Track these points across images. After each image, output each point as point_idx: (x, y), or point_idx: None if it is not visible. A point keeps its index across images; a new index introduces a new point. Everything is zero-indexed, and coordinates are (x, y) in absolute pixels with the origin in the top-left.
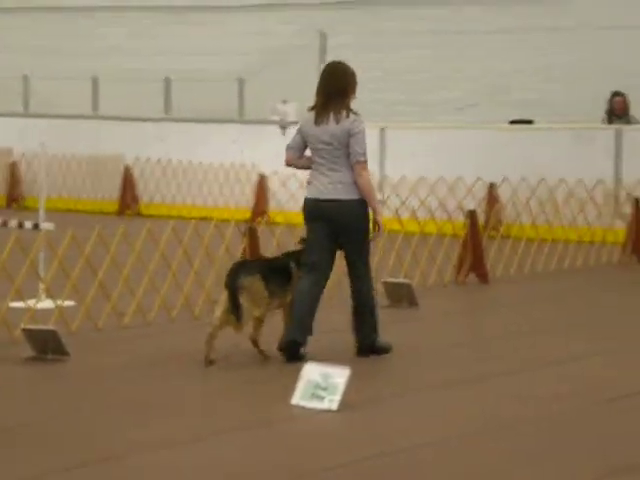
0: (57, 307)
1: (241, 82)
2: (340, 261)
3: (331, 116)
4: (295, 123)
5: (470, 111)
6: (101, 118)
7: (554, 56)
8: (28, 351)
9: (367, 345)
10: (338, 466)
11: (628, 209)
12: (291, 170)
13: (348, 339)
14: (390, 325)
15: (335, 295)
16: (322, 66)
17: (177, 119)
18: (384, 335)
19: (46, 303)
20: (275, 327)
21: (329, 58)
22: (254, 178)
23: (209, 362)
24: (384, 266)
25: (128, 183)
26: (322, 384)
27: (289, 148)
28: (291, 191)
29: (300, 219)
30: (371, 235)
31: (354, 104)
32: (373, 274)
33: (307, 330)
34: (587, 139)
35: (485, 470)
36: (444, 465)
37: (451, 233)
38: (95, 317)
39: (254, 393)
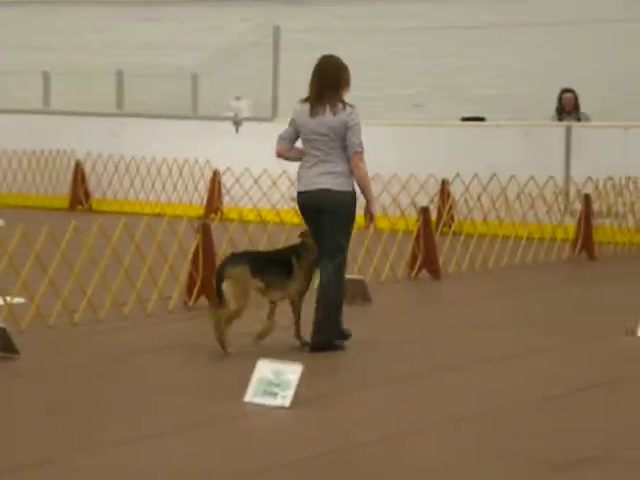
0: (6, 304)
1: (195, 78)
2: None
3: (327, 108)
4: (248, 119)
5: (425, 108)
6: (52, 113)
7: (508, 53)
8: None
9: (324, 343)
10: (292, 462)
11: (578, 206)
12: (244, 166)
13: (306, 333)
14: (344, 321)
15: None
16: (317, 60)
17: (130, 114)
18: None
19: None
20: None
21: (283, 55)
22: (208, 174)
23: (222, 344)
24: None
25: (79, 179)
26: (274, 380)
27: (281, 139)
28: (245, 188)
29: (254, 216)
30: (365, 222)
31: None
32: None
33: (335, 327)
34: (537, 136)
35: (430, 466)
36: (394, 461)
37: (404, 229)
38: (45, 314)
39: (206, 390)
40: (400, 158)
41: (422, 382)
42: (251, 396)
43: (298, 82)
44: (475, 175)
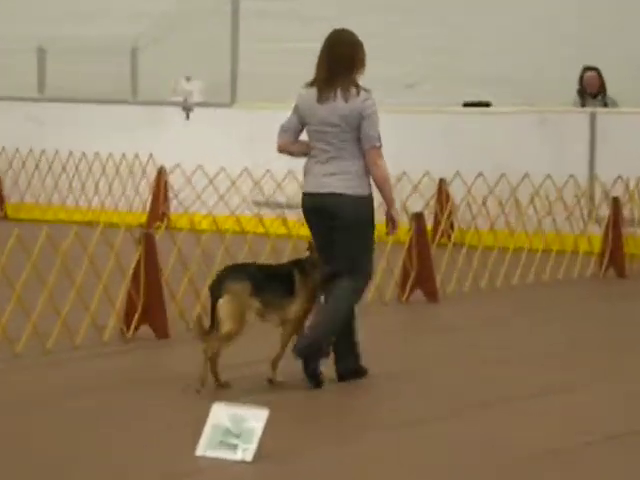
0: None
1: (134, 54)
2: None
3: (338, 93)
4: (201, 104)
5: (419, 89)
6: None
7: (519, 25)
8: None
9: (350, 369)
10: None
11: (605, 211)
12: (197, 163)
13: (266, 371)
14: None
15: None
16: (327, 38)
17: (53, 99)
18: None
19: None
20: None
21: (243, 26)
22: (151, 173)
23: (203, 380)
24: None
25: None
26: (233, 430)
27: (283, 130)
28: (197, 189)
29: (208, 224)
30: (386, 230)
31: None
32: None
33: (322, 352)
34: (555, 125)
35: None
36: None
37: (393, 240)
38: None
39: (152, 441)
40: (388, 152)
41: (413, 432)
42: (204, 449)
43: (262, 59)
44: (480, 174)
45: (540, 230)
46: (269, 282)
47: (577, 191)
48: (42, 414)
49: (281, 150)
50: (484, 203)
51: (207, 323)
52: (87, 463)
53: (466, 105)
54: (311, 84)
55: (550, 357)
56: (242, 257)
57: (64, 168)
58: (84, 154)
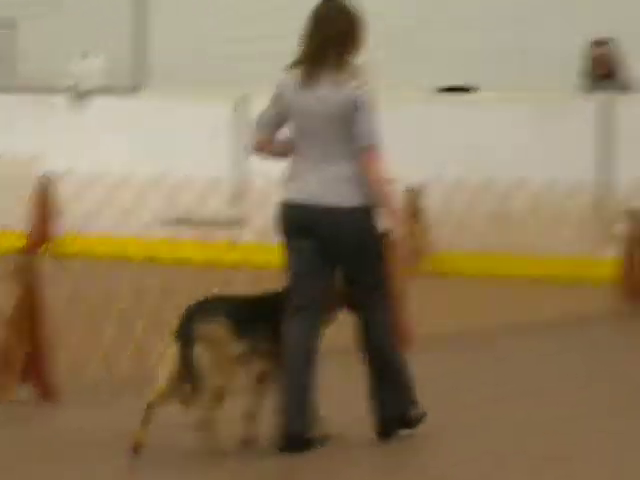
0: None
1: (12, 28)
2: None
3: (327, 79)
4: (100, 92)
5: (382, 72)
6: None
7: None
8: None
9: (395, 418)
10: None
11: (622, 227)
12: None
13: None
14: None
15: None
16: None
17: None
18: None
19: None
20: None
21: None
22: (31, 179)
23: (138, 446)
24: None
25: None
26: None
27: (260, 125)
28: (93, 203)
29: (108, 247)
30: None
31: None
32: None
33: (307, 408)
34: (555, 117)
35: None
36: None
37: None
38: None
39: None
40: None
41: None
42: None
43: (178, 34)
44: (459, 180)
45: (539, 253)
46: (251, 318)
47: (588, 202)
48: None
49: (257, 150)
50: (466, 219)
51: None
52: None
53: (441, 91)
54: (294, 65)
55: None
56: (153, 290)
57: None
58: None
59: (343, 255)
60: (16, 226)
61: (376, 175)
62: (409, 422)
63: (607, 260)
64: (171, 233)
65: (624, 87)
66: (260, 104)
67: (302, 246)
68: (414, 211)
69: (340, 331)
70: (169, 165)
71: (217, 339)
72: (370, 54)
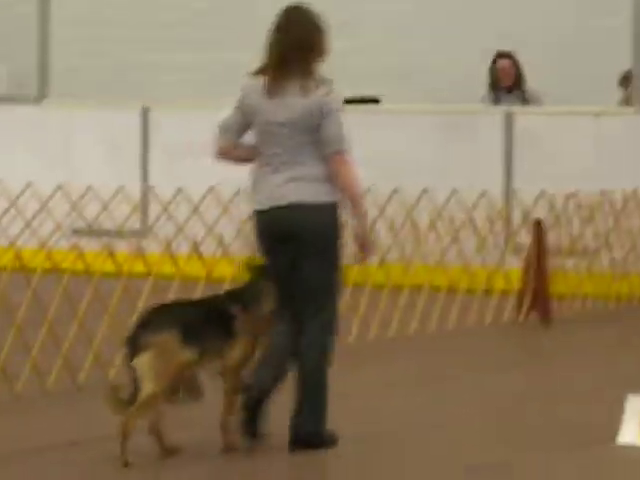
0: None
1: None
2: None
3: (293, 86)
4: (3, 101)
5: None
6: None
7: (408, 3)
8: None
9: (303, 434)
10: None
11: (524, 238)
12: None
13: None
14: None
15: None
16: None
17: None
18: None
19: None
20: None
21: (54, 4)
22: None
23: (125, 464)
24: None
25: None
26: None
27: (223, 131)
28: None
29: (10, 258)
30: (357, 256)
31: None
32: None
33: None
34: (461, 127)
35: None
36: None
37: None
38: None
39: None
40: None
41: None
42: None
43: (82, 43)
44: (367, 189)
45: (441, 263)
46: (202, 324)
47: (490, 211)
48: None
49: (220, 155)
50: (372, 228)
51: (126, 390)
52: None
53: (348, 102)
54: (258, 73)
55: (466, 431)
56: (56, 302)
57: None
58: None
59: (306, 251)
60: None
61: (346, 178)
62: (316, 443)
63: (510, 271)
64: (75, 243)
65: (527, 99)
66: (165, 113)
67: (277, 251)
68: None
69: None
70: (74, 175)
71: (165, 347)
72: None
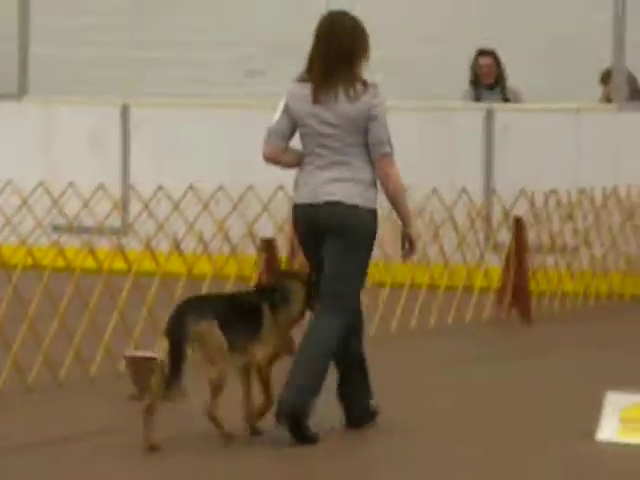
0: None
1: None
2: None
3: (340, 91)
4: None
5: (265, 78)
6: None
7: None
8: None
9: (360, 411)
10: None
11: (505, 236)
12: None
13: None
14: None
15: None
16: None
17: None
18: None
19: None
20: None
21: None
22: None
23: (150, 447)
24: (122, 332)
25: None
26: None
27: (271, 135)
28: None
29: None
30: (402, 253)
31: None
32: None
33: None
34: (441, 124)
35: None
36: None
37: (237, 274)
38: None
39: None
40: (227, 158)
41: None
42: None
43: (62, 40)
44: None
45: (423, 260)
46: (235, 316)
47: (470, 209)
48: None
49: (269, 159)
50: None
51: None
52: None
53: None
54: (304, 79)
55: (445, 432)
56: (37, 298)
57: None
58: None
59: (343, 246)
60: None
61: (393, 181)
62: (370, 415)
63: (490, 269)
64: (56, 240)
65: (507, 97)
66: (146, 110)
67: (318, 243)
68: None
69: None
70: (54, 172)
71: (209, 337)
72: (260, 61)
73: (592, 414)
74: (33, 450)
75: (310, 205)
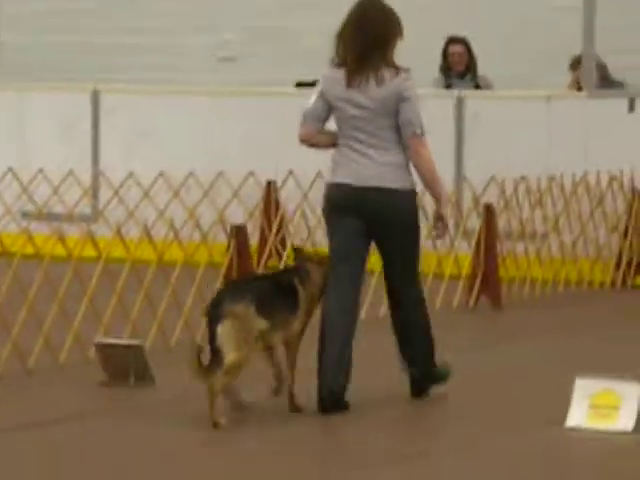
0: None
1: None
2: None
3: (372, 75)
4: None
5: (238, 65)
6: None
7: None
8: None
9: (426, 376)
10: None
11: (475, 222)
12: None
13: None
14: (106, 420)
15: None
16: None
17: None
18: None
19: None
20: None
21: None
22: None
23: (214, 425)
24: (92, 319)
25: None
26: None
27: (307, 118)
28: None
29: None
30: (433, 233)
31: None
32: None
33: (347, 368)
34: None
35: None
36: None
37: (207, 262)
38: None
39: None
40: (199, 147)
41: None
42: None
43: (31, 25)
44: (319, 174)
45: None
46: (274, 296)
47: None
48: None
49: (304, 141)
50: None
51: (207, 356)
52: None
53: (299, 85)
54: (337, 64)
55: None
56: (5, 285)
57: None
58: None
59: (384, 232)
60: None
61: (425, 160)
62: (436, 378)
63: (460, 256)
64: (25, 227)
65: (478, 85)
66: (116, 97)
67: (346, 224)
68: (273, 204)
69: None
70: (24, 158)
71: (240, 316)
72: (235, 48)
73: (562, 400)
74: (2, 436)
75: (350, 187)
